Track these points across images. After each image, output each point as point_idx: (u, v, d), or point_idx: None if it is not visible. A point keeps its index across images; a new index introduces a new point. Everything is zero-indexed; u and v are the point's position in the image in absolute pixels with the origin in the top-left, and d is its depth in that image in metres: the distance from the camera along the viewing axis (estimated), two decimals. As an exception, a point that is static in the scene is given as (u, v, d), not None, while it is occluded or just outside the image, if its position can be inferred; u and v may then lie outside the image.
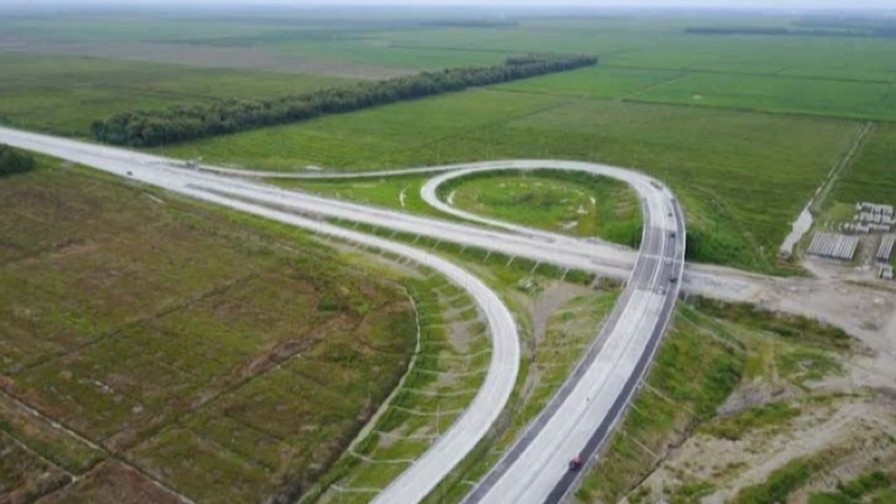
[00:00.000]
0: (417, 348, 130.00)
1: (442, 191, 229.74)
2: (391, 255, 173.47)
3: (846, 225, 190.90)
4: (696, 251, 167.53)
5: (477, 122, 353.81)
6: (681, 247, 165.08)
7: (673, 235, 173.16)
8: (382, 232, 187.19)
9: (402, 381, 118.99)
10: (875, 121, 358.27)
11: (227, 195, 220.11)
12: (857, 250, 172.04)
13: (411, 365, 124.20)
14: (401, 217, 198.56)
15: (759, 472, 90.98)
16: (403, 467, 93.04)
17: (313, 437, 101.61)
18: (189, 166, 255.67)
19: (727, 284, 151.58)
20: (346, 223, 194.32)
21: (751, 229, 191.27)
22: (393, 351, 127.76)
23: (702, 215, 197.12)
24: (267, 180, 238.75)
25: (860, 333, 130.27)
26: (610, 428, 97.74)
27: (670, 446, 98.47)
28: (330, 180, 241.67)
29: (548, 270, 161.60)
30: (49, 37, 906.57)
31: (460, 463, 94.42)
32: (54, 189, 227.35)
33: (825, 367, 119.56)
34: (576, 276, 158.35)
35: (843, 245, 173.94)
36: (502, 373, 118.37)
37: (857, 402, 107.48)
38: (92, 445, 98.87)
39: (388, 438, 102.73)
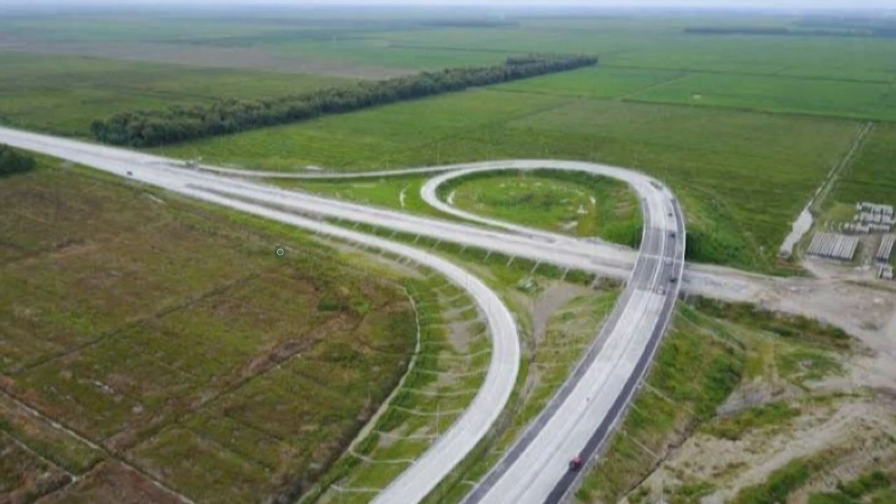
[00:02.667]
0: (417, 348, 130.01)
1: (442, 191, 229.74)
2: (391, 255, 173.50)
3: (846, 225, 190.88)
4: (696, 251, 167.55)
5: (477, 122, 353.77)
6: (681, 247, 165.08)
7: (673, 235, 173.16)
8: (382, 232, 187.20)
9: (402, 381, 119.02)
10: (875, 121, 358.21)
11: (227, 195, 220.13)
12: (857, 250, 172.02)
13: (411, 365, 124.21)
14: (401, 217, 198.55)
15: (759, 472, 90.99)
16: (403, 467, 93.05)
17: (313, 437, 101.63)
18: (189, 166, 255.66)
19: (727, 284, 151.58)
20: (346, 223, 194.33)
21: (751, 229, 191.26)
22: (393, 351, 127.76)
23: (702, 215, 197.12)
24: (267, 180, 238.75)
25: (860, 333, 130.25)
26: (610, 428, 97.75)
27: (670, 446, 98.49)
28: (330, 180, 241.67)
29: (548, 270, 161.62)
30: (49, 37, 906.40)
31: (460, 463, 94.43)
32: (54, 189, 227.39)
33: (825, 367, 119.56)
34: (576, 276, 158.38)
35: (843, 245, 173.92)
36: (502, 373, 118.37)
37: (857, 402, 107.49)
38: (92, 445, 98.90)
39: (388, 438, 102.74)
